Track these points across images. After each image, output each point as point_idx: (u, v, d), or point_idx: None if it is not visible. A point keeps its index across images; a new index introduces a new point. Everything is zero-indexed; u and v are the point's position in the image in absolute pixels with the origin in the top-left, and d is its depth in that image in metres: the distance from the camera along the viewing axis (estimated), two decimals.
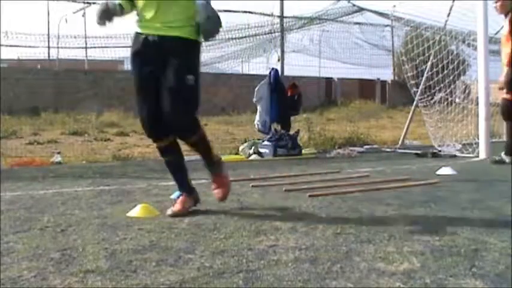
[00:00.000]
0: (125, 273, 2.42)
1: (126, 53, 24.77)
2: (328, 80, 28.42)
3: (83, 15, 24.83)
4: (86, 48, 23.53)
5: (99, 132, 12.37)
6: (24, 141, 10.10)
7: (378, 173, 5.85)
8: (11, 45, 21.03)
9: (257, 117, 8.29)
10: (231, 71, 26.66)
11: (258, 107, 8.26)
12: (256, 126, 8.29)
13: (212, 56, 25.37)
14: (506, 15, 6.27)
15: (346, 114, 17.63)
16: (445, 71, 8.82)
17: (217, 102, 22.88)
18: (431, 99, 9.14)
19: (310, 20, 22.47)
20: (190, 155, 7.76)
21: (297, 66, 24.16)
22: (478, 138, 7.41)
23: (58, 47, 22.89)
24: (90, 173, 5.80)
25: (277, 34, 8.55)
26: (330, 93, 28.04)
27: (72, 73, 21.37)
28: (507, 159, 6.41)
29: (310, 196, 4.31)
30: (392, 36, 26.31)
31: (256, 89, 8.33)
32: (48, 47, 22.53)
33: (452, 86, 9.06)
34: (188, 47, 3.55)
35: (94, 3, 21.64)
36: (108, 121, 15.19)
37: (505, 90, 6.35)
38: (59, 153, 7.20)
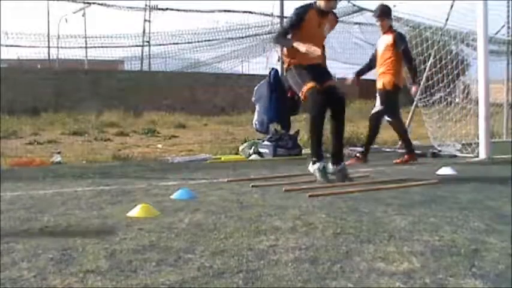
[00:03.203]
0: (124, 273, 2.42)
1: (126, 53, 24.95)
2: None
3: (83, 15, 24.90)
4: (86, 48, 23.57)
5: (99, 132, 12.37)
6: (24, 141, 10.10)
7: (378, 173, 5.85)
8: (11, 45, 21.04)
9: (255, 116, 8.28)
10: (231, 71, 26.69)
11: (256, 107, 8.25)
12: (254, 125, 8.28)
13: (212, 56, 25.44)
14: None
15: (346, 114, 17.56)
16: (444, 71, 8.83)
17: (217, 102, 22.90)
18: (431, 99, 9.15)
19: None
20: (190, 155, 7.78)
21: None
22: (478, 138, 7.41)
23: (58, 47, 22.94)
24: (90, 173, 5.80)
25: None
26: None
27: (72, 73, 21.37)
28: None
29: (310, 196, 4.32)
30: None
31: (256, 88, 8.33)
32: (48, 47, 22.59)
33: (451, 86, 9.07)
34: None
35: (94, 3, 21.72)
36: (108, 121, 15.19)
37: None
38: (59, 153, 7.19)
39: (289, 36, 5.49)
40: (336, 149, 5.39)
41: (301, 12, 5.47)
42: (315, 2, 5.48)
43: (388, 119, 6.99)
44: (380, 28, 6.93)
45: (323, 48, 5.65)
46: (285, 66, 5.73)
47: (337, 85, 5.66)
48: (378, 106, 6.88)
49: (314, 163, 5.22)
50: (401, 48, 6.73)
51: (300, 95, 5.38)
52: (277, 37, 5.80)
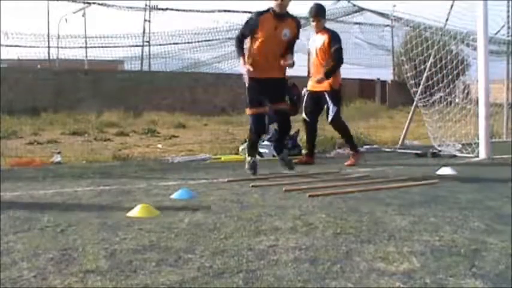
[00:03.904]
0: (125, 273, 2.42)
1: (126, 53, 24.91)
2: None
3: (83, 15, 24.86)
4: (86, 48, 23.54)
5: (99, 132, 12.36)
6: (24, 141, 10.08)
7: (378, 173, 5.86)
8: (11, 45, 21.02)
9: None
10: (231, 71, 26.65)
11: None
12: None
13: (212, 56, 25.42)
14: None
15: (346, 114, 17.61)
16: (444, 71, 8.82)
17: (217, 102, 22.88)
18: (431, 99, 9.14)
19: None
20: (190, 155, 7.78)
21: (297, 66, 24.17)
22: (477, 138, 7.41)
23: (58, 47, 22.91)
24: (90, 173, 5.80)
25: None
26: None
27: (72, 73, 21.35)
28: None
29: (310, 196, 4.32)
30: (392, 36, 26.32)
31: None
32: (48, 47, 22.54)
33: (451, 86, 9.06)
34: None
35: (94, 3, 21.70)
36: (108, 121, 15.17)
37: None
38: (59, 153, 7.18)
39: (247, 41, 5.72)
40: (279, 141, 6.16)
41: (254, 17, 5.68)
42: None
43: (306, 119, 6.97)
44: (314, 28, 6.84)
45: (286, 54, 5.75)
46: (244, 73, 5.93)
47: (285, 107, 6.11)
48: (332, 110, 6.76)
49: (248, 156, 5.89)
50: (334, 46, 6.67)
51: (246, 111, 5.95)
52: (236, 41, 5.88)
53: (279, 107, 5.94)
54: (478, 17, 7.18)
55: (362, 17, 25.00)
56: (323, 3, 7.05)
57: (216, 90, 23.24)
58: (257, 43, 5.67)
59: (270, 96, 5.81)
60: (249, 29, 5.69)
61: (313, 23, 6.84)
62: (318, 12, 6.78)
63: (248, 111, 5.91)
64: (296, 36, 5.86)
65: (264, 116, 5.99)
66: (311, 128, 7.02)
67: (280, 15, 5.66)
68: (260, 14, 5.68)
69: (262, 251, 2.76)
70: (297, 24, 5.85)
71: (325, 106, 6.87)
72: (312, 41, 6.95)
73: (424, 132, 9.75)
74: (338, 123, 6.89)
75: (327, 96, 6.76)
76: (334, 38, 6.75)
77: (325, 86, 6.73)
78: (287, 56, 5.73)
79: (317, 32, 6.83)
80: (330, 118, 6.84)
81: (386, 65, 28.78)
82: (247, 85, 5.84)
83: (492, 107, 8.89)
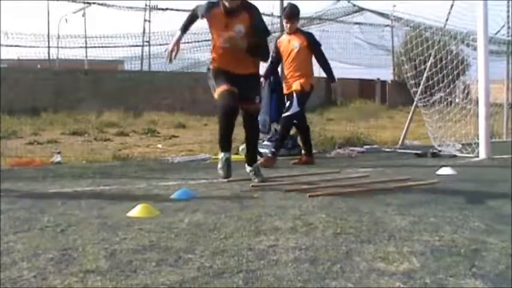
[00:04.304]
0: (125, 273, 2.42)
1: (126, 53, 24.90)
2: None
3: (83, 15, 24.87)
4: (86, 48, 23.55)
5: (99, 132, 12.35)
6: (24, 141, 10.08)
7: (378, 173, 5.85)
8: (11, 45, 21.03)
9: None
10: None
11: None
12: None
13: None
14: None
15: (346, 114, 17.65)
16: (444, 71, 8.83)
17: (217, 102, 22.87)
18: (431, 99, 9.15)
19: (310, 20, 22.48)
20: (190, 155, 7.78)
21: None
22: (477, 138, 7.42)
23: (58, 47, 22.91)
24: (90, 173, 5.80)
25: (277, 34, 8.54)
26: (329, 93, 28.06)
27: (72, 73, 21.35)
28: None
29: (310, 196, 4.32)
30: (392, 36, 26.33)
31: None
32: (48, 47, 22.54)
33: (451, 86, 9.07)
34: None
35: (94, 3, 21.69)
36: (108, 121, 15.17)
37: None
38: (59, 153, 7.18)
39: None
40: (249, 154, 5.47)
41: (204, 12, 4.84)
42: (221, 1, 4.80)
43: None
44: (287, 29, 6.74)
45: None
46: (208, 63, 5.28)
47: (257, 109, 5.34)
48: (292, 110, 6.64)
49: (220, 152, 5.17)
50: (318, 49, 6.70)
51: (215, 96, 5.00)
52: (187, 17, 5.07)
53: (246, 107, 5.10)
54: (478, 17, 7.18)
55: (362, 17, 25.02)
56: (323, 3, 7.05)
57: None
58: (214, 40, 4.98)
59: (239, 91, 4.89)
60: (189, 22, 4.95)
61: (287, 25, 6.71)
62: (292, 14, 6.65)
63: (215, 93, 4.96)
64: (255, 27, 4.85)
65: (236, 97, 4.88)
66: (301, 127, 6.98)
67: (231, 10, 4.75)
68: (209, 8, 4.84)
69: (262, 251, 2.77)
70: (250, 14, 4.83)
71: (288, 103, 6.74)
72: (285, 42, 6.76)
73: (424, 132, 9.75)
74: (302, 123, 6.83)
75: (294, 96, 6.63)
76: (313, 40, 6.74)
77: (296, 86, 6.63)
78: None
79: (290, 34, 6.72)
80: (286, 113, 6.69)
81: (387, 65, 28.78)
82: (211, 73, 5.05)
83: (492, 107, 8.90)
